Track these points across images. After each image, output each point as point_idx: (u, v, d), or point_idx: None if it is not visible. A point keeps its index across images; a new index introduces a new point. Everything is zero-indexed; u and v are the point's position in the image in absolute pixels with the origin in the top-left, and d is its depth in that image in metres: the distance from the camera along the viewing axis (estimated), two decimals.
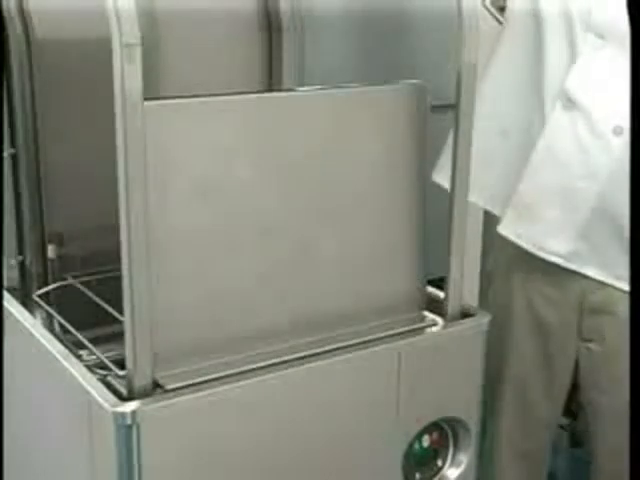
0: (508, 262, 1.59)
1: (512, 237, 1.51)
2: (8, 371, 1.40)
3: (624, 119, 1.36)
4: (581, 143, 1.42)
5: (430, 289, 1.46)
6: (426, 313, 1.41)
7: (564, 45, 1.45)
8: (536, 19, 1.48)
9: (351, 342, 1.29)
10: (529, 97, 1.50)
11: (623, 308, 1.46)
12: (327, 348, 1.27)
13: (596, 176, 1.41)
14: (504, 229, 1.51)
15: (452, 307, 1.38)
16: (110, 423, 1.10)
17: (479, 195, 1.53)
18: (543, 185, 1.46)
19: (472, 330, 1.39)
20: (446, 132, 1.55)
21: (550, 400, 1.61)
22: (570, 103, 1.43)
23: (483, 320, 1.39)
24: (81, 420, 1.18)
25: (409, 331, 1.34)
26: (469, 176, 1.34)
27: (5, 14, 1.44)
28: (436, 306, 1.40)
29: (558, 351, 1.56)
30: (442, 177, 1.52)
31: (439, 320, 1.39)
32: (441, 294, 1.40)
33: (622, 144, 1.38)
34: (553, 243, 1.48)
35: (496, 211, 1.57)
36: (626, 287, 1.44)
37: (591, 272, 1.47)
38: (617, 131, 1.38)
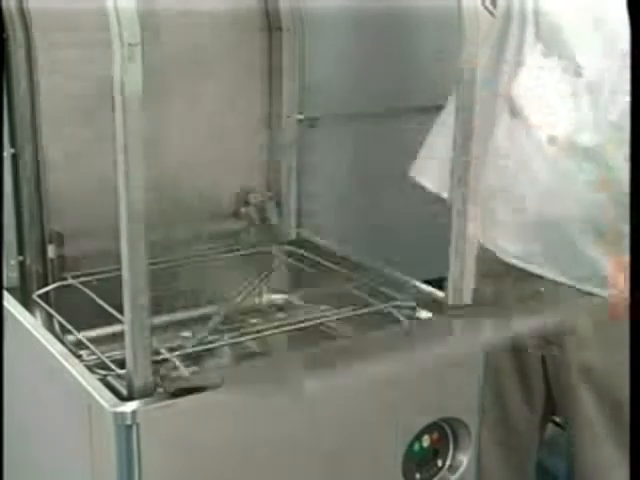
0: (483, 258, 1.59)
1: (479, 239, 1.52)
2: (8, 371, 1.40)
3: (557, 129, 1.39)
4: (521, 150, 1.44)
5: (430, 289, 1.46)
6: (426, 313, 1.41)
7: (517, 51, 1.46)
8: (505, 22, 1.49)
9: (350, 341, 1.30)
10: (489, 95, 1.51)
11: (580, 312, 1.46)
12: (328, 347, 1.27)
13: (535, 183, 1.42)
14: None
15: (452, 307, 1.38)
16: (110, 423, 1.10)
17: (428, 179, 1.56)
18: (493, 188, 1.48)
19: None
20: None
21: (528, 402, 1.61)
22: (513, 110, 1.45)
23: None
24: (81, 420, 1.18)
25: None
26: (469, 176, 1.35)
27: (5, 14, 1.44)
28: (436, 306, 1.40)
29: (526, 351, 1.56)
30: (426, 179, 1.54)
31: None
32: (441, 294, 1.40)
33: (557, 153, 1.39)
34: (509, 245, 1.49)
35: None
36: (588, 287, 1.44)
37: (550, 274, 1.47)
38: (551, 140, 1.40)
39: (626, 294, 1.13)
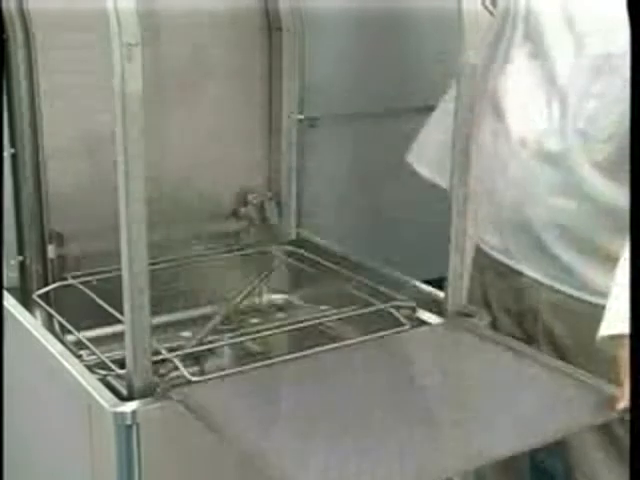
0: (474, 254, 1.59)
1: None
2: (8, 371, 1.40)
3: (530, 132, 1.39)
4: (499, 150, 1.44)
5: (430, 289, 1.46)
6: (426, 313, 1.41)
7: (507, 51, 1.46)
8: (502, 21, 1.49)
9: (351, 342, 1.30)
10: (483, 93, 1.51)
11: (553, 314, 1.45)
12: (327, 348, 1.27)
13: (510, 184, 1.42)
14: None
15: (452, 307, 1.38)
16: (110, 423, 1.10)
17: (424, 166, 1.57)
18: (475, 184, 1.48)
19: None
20: None
21: None
22: (497, 110, 1.45)
23: (483, 320, 1.39)
24: (81, 420, 1.18)
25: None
26: (469, 177, 1.35)
27: (5, 14, 1.44)
28: (436, 306, 1.40)
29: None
30: (422, 164, 1.55)
31: (439, 320, 1.39)
32: (441, 294, 1.40)
33: (528, 155, 1.39)
34: (490, 238, 1.50)
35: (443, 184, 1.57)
36: (559, 286, 1.43)
37: (526, 270, 1.46)
38: (522, 143, 1.40)
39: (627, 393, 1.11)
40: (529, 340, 1.48)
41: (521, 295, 1.49)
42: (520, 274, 1.47)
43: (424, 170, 1.59)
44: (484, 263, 1.54)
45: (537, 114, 1.39)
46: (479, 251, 1.54)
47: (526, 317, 1.50)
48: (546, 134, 1.37)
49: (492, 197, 1.47)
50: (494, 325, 1.49)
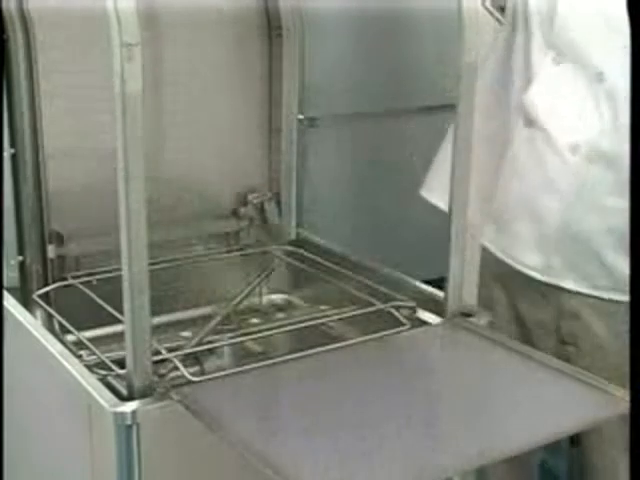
0: (495, 260, 1.59)
1: (493, 250, 1.53)
2: (8, 371, 1.40)
3: (579, 137, 1.37)
4: (541, 160, 1.43)
5: (430, 289, 1.46)
6: (426, 313, 1.41)
7: (525, 60, 1.46)
8: (512, 30, 1.49)
9: (351, 342, 1.30)
10: (497, 106, 1.50)
11: (596, 316, 1.45)
12: (327, 348, 1.27)
13: (558, 193, 1.41)
14: (487, 241, 1.52)
15: (452, 307, 1.38)
16: (110, 423, 1.10)
17: (439, 197, 1.55)
18: (512, 200, 1.47)
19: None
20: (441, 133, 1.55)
21: None
22: (529, 119, 1.44)
23: (483, 320, 1.39)
24: (81, 420, 1.18)
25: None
26: (469, 177, 1.34)
27: (5, 14, 1.44)
28: (436, 306, 1.40)
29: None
30: (436, 196, 1.55)
31: (439, 320, 1.39)
32: (441, 294, 1.40)
33: (580, 161, 1.38)
34: (529, 257, 1.48)
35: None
36: (604, 295, 1.43)
37: (569, 285, 1.45)
38: (574, 148, 1.38)
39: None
40: (570, 358, 1.47)
41: (563, 312, 1.47)
42: (563, 290, 1.45)
43: (440, 203, 1.56)
44: (517, 284, 1.52)
45: (586, 117, 1.36)
46: (513, 272, 1.51)
47: (570, 334, 1.48)
48: (600, 136, 1.35)
49: (534, 211, 1.44)
50: (530, 342, 1.48)
